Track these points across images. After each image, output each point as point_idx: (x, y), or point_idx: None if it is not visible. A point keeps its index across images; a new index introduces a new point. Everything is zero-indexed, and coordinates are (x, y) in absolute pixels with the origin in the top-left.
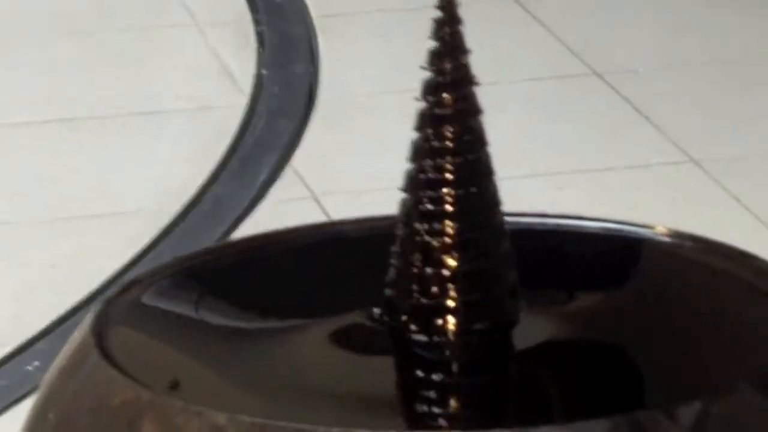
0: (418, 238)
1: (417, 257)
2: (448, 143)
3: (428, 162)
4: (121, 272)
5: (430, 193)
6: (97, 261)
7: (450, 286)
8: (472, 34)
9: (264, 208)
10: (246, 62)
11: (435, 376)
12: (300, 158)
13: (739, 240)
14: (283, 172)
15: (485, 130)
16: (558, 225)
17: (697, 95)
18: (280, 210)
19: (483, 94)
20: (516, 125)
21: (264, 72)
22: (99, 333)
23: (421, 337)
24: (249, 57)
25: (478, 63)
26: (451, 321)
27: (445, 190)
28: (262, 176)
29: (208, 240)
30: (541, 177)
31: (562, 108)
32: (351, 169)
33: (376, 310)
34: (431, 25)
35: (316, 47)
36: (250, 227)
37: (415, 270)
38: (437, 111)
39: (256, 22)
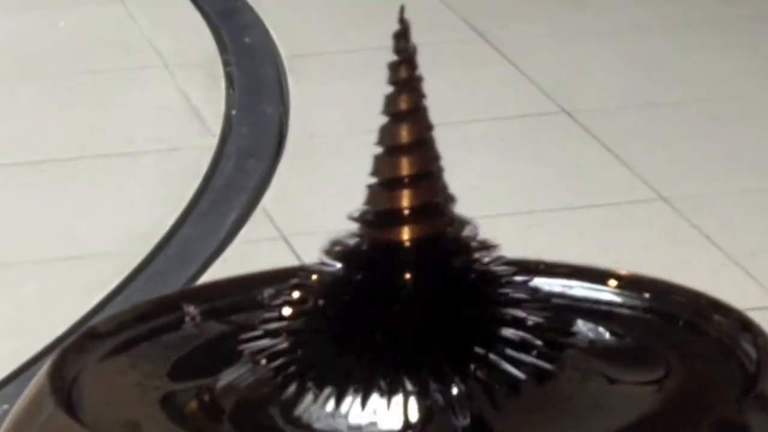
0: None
1: None
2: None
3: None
4: (90, 315)
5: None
6: (65, 304)
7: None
8: (440, 73)
9: (234, 249)
10: (215, 103)
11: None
12: (270, 199)
13: (710, 277)
14: (252, 213)
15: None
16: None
17: (667, 133)
18: (250, 251)
19: (452, 133)
20: (485, 164)
21: (233, 113)
22: (55, 381)
23: None
24: (218, 98)
25: (446, 102)
26: None
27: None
28: (232, 217)
29: (177, 282)
30: (511, 216)
31: (532, 146)
32: (321, 210)
33: None
34: (387, 69)
35: (286, 88)
36: (220, 269)
37: None
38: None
39: (226, 62)
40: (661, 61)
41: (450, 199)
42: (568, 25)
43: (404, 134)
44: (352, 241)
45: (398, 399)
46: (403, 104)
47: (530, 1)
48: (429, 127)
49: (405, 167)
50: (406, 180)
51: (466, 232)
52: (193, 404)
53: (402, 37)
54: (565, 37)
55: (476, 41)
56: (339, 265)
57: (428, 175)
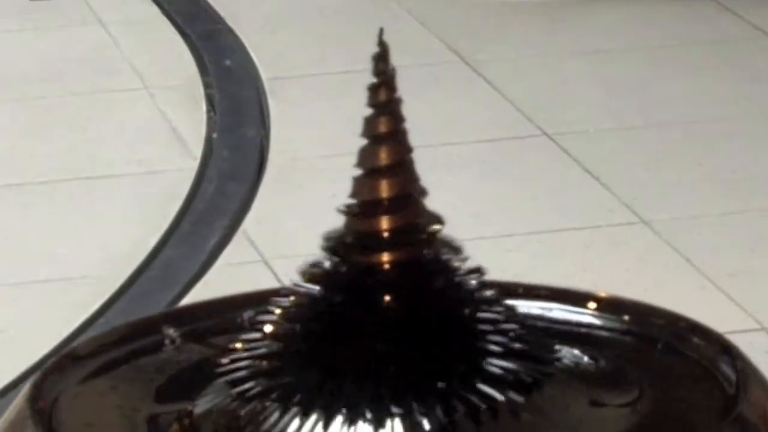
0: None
1: None
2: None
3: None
4: (71, 338)
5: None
6: (45, 327)
7: None
8: (420, 95)
9: (215, 272)
10: (196, 126)
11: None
12: (251, 222)
13: (689, 300)
14: (233, 236)
15: (425, 191)
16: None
17: (647, 156)
18: (231, 274)
19: (432, 156)
20: (466, 186)
21: (214, 135)
22: (35, 403)
23: None
24: (199, 120)
25: (428, 124)
26: None
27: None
28: (213, 240)
29: (158, 305)
30: (492, 239)
31: (512, 169)
32: (302, 233)
33: None
34: (366, 91)
35: (267, 110)
36: (201, 291)
37: None
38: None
39: (206, 85)
40: (641, 84)
41: (434, 220)
42: (549, 48)
43: (383, 156)
44: (329, 264)
45: (385, 423)
46: (382, 127)
47: (511, 24)
48: (408, 149)
49: (384, 189)
50: (386, 202)
51: (448, 254)
52: (174, 427)
53: (381, 60)
54: (545, 60)
55: (457, 64)
56: (317, 288)
57: (407, 197)
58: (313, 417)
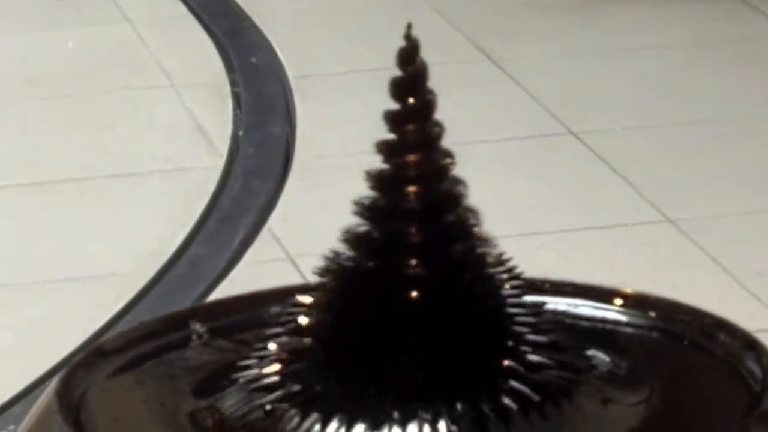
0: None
1: None
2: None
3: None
4: (97, 335)
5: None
6: (73, 324)
7: None
8: (447, 93)
9: (241, 269)
10: (222, 123)
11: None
12: (276, 219)
13: (715, 299)
14: (259, 234)
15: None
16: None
17: (673, 154)
18: (257, 272)
19: (459, 154)
20: (492, 185)
21: (240, 133)
22: (63, 398)
23: None
24: (225, 118)
25: (453, 123)
26: None
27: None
28: (239, 238)
29: (184, 302)
30: (518, 237)
31: (539, 168)
32: (327, 230)
33: None
34: (390, 86)
35: (293, 108)
36: (227, 289)
37: None
38: (399, 173)
39: (233, 82)
40: (668, 82)
41: (472, 215)
42: (576, 45)
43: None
44: (349, 261)
45: (411, 429)
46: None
47: (537, 22)
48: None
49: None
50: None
51: (482, 248)
52: (200, 423)
53: (410, 55)
54: (572, 58)
55: (483, 62)
56: (341, 286)
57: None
58: (339, 424)
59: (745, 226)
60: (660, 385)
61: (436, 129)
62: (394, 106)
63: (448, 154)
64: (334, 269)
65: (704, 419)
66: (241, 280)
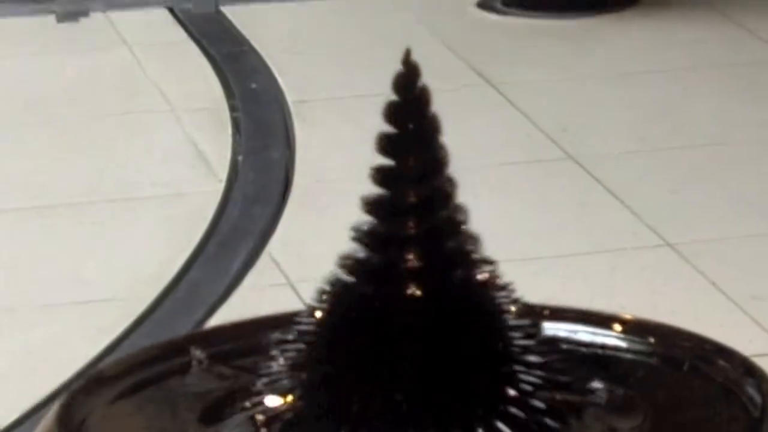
0: None
1: None
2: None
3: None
4: (97, 360)
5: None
6: (72, 349)
7: None
8: (445, 118)
9: (240, 294)
10: (222, 148)
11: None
12: (276, 244)
13: (715, 323)
14: (258, 259)
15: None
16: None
17: (672, 179)
18: (256, 297)
19: (458, 179)
20: (491, 210)
21: (240, 158)
22: (63, 424)
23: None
24: (225, 143)
25: (452, 147)
26: None
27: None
28: (238, 263)
29: (184, 327)
30: (517, 262)
31: (538, 192)
32: (327, 256)
33: None
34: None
35: (292, 133)
36: (226, 314)
37: None
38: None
39: (232, 107)
40: (666, 107)
41: (472, 241)
42: (574, 70)
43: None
44: (348, 287)
45: None
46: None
47: (536, 47)
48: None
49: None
50: (412, 233)
51: (482, 271)
52: None
53: (409, 78)
54: (570, 83)
55: (482, 86)
56: (340, 312)
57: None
58: None
59: (744, 250)
60: (659, 410)
61: (441, 155)
62: (390, 130)
63: (449, 181)
64: (333, 295)
65: None
66: (241, 305)
